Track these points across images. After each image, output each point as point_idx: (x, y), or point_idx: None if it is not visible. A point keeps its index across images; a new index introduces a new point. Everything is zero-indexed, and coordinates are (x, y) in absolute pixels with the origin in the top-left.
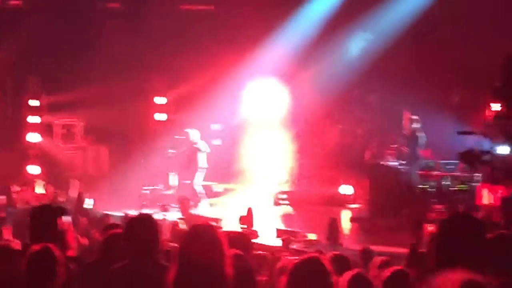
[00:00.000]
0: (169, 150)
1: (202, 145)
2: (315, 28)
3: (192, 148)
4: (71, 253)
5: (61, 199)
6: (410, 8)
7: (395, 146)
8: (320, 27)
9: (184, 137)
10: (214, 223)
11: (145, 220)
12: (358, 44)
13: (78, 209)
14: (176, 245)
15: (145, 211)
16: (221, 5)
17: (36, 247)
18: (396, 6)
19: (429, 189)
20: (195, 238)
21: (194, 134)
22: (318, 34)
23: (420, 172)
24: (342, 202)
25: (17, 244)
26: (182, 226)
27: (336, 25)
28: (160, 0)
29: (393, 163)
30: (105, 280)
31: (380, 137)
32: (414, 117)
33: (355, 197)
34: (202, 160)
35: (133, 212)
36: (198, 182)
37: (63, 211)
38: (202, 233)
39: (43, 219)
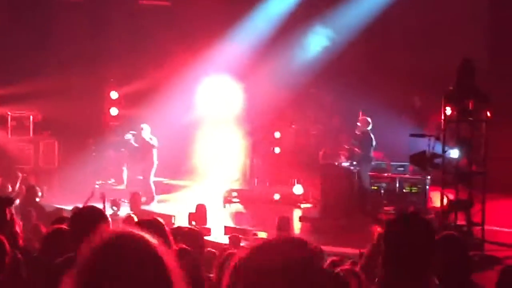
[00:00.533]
0: (122, 146)
1: (154, 140)
2: (272, 24)
3: (145, 144)
4: (18, 243)
5: (9, 191)
6: (367, 8)
7: (348, 147)
8: (278, 24)
9: (136, 133)
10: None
11: (92, 213)
12: (317, 41)
13: (29, 202)
14: None
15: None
16: (178, 1)
17: None
18: (354, 5)
19: (380, 191)
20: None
21: (146, 130)
22: (275, 31)
23: (371, 173)
24: (294, 201)
25: None
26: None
27: (294, 22)
28: None
29: (345, 163)
30: (49, 272)
31: (334, 138)
32: (368, 118)
33: (307, 196)
34: (154, 156)
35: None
36: (151, 178)
37: (10, 201)
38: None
39: None
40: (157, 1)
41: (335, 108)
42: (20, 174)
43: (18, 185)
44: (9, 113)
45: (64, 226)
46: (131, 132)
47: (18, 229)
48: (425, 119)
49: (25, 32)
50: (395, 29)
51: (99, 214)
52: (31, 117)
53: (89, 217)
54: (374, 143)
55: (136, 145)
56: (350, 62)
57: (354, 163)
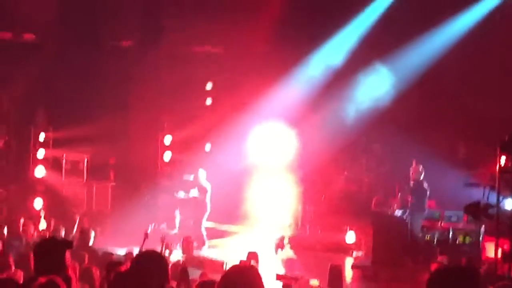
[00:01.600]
0: (177, 190)
1: (208, 186)
2: (325, 73)
3: (199, 189)
4: (74, 287)
5: (64, 234)
6: (418, 57)
7: (400, 195)
8: (331, 71)
9: (191, 178)
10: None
11: (154, 257)
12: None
13: (82, 245)
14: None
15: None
16: (231, 48)
17: (42, 280)
18: (404, 55)
19: (433, 240)
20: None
21: (201, 175)
22: (328, 78)
23: (424, 222)
24: (345, 249)
25: (19, 276)
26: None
27: (347, 70)
28: (171, 40)
29: (398, 212)
30: None
31: (386, 186)
32: (421, 167)
33: (358, 244)
34: (207, 201)
35: (135, 250)
36: (203, 223)
37: (70, 245)
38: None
39: (49, 252)
40: (210, 48)
41: (387, 156)
42: (77, 217)
43: (75, 228)
44: (64, 156)
45: (123, 269)
46: (186, 176)
47: (71, 272)
48: (472, 167)
49: (79, 77)
50: (447, 76)
51: (159, 258)
52: (85, 160)
53: (150, 262)
54: (427, 192)
55: (189, 193)
56: (401, 109)
57: (407, 212)
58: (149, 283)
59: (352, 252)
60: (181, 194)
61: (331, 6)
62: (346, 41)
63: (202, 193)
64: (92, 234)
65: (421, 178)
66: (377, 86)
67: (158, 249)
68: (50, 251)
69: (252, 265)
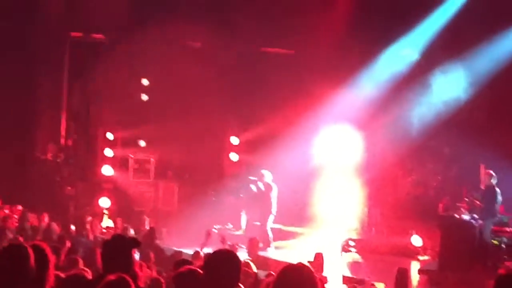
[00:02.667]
0: (242, 191)
1: (274, 187)
2: (394, 75)
3: (265, 190)
4: (141, 284)
5: (130, 232)
6: (489, 59)
7: (468, 199)
8: (399, 74)
9: (257, 178)
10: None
11: (229, 256)
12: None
13: (148, 244)
14: None
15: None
16: (302, 50)
17: (111, 277)
18: (475, 56)
19: (501, 245)
20: (291, 276)
21: (267, 176)
22: (396, 80)
23: (493, 227)
24: (412, 253)
25: (88, 274)
26: (253, 267)
27: (415, 71)
28: (241, 40)
29: (466, 216)
30: None
31: (453, 190)
32: (491, 172)
33: (425, 248)
34: (273, 202)
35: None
36: (269, 224)
37: (136, 243)
38: (299, 272)
39: (117, 249)
40: (280, 49)
41: (455, 160)
42: (146, 218)
43: (142, 227)
44: (131, 155)
45: (194, 268)
46: (252, 177)
47: (142, 270)
48: None
49: (145, 77)
50: None
51: (234, 258)
52: (152, 160)
53: (224, 261)
54: (499, 197)
55: (255, 191)
56: (471, 112)
57: (475, 216)
58: (222, 282)
59: (419, 256)
60: (253, 188)
61: (402, 7)
62: (416, 43)
63: (268, 194)
64: (159, 233)
65: (494, 183)
66: (447, 88)
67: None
68: (119, 249)
69: (306, 265)
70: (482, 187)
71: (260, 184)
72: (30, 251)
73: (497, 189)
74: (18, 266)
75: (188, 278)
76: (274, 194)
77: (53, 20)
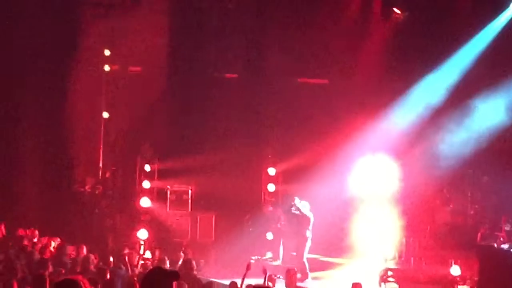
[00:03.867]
0: (280, 221)
1: (311, 217)
2: (430, 103)
3: (302, 220)
4: None
5: (169, 264)
6: None
7: (508, 229)
8: (436, 103)
9: (294, 208)
10: None
11: None
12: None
13: (185, 275)
14: None
15: (250, 280)
16: (336, 80)
17: None
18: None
19: None
20: None
21: (304, 206)
22: (432, 109)
23: None
24: (451, 282)
25: None
26: None
27: (450, 101)
28: (277, 72)
29: (505, 246)
30: None
31: (492, 219)
32: None
33: (464, 278)
34: (309, 232)
35: (239, 281)
36: (305, 254)
37: (177, 275)
38: None
39: (156, 282)
40: (315, 80)
41: (493, 189)
42: (182, 248)
43: (180, 259)
44: (168, 187)
45: None
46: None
47: None
48: None
49: (185, 108)
50: None
51: None
52: (189, 191)
53: None
54: None
55: (296, 212)
56: (509, 141)
57: None
58: None
59: (458, 286)
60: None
61: (438, 35)
62: (455, 70)
63: (305, 225)
64: (196, 264)
65: None
66: (486, 116)
67: (261, 281)
68: (158, 282)
69: None
70: None
71: (297, 212)
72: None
73: None
74: None
75: None
76: (310, 224)
77: (90, 53)
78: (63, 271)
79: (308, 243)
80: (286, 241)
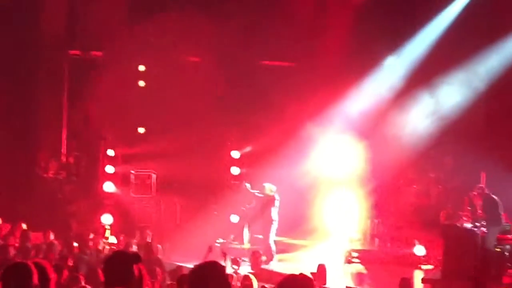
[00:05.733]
0: (246, 205)
1: (277, 199)
2: (393, 85)
3: (268, 202)
4: None
5: (133, 248)
6: (493, 67)
7: (471, 208)
8: (399, 84)
9: (259, 191)
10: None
11: (212, 268)
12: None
13: (151, 259)
14: None
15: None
16: (300, 62)
17: None
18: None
19: (504, 253)
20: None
21: (270, 188)
22: (399, 90)
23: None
24: (415, 262)
25: None
26: (254, 281)
27: (415, 80)
28: (241, 54)
29: (468, 225)
30: None
31: (455, 199)
32: (481, 185)
33: (428, 258)
34: (275, 214)
35: None
36: (272, 237)
37: (138, 258)
38: (299, 283)
39: (119, 265)
40: (281, 62)
41: (457, 169)
42: (150, 233)
43: (145, 242)
44: (132, 171)
45: None
46: (252, 190)
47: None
48: None
49: (147, 92)
50: None
51: (218, 269)
52: (153, 175)
53: (208, 272)
54: (500, 205)
55: (260, 195)
56: (471, 121)
57: (477, 224)
58: None
59: (422, 266)
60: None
61: (402, 15)
62: (416, 50)
63: (269, 207)
64: (160, 248)
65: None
66: (447, 98)
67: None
68: (120, 265)
69: (307, 276)
70: (484, 195)
71: (264, 196)
72: (34, 269)
73: (495, 197)
74: (22, 284)
75: None
76: (276, 206)
77: (52, 39)
78: (24, 258)
79: (275, 226)
80: (251, 224)
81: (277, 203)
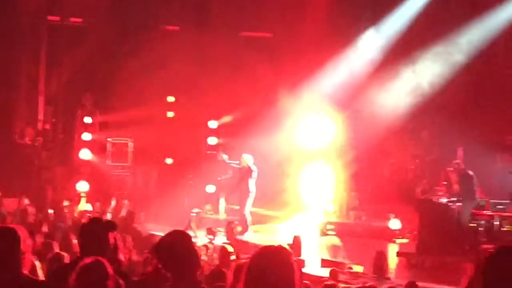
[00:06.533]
0: (222, 175)
1: (254, 170)
2: (371, 58)
3: (245, 173)
4: (121, 268)
5: (108, 216)
6: (470, 43)
7: (446, 183)
8: (378, 55)
9: (238, 162)
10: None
11: (179, 237)
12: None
13: (127, 228)
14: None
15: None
16: (280, 34)
17: (87, 260)
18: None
19: (479, 228)
20: (266, 258)
21: (248, 159)
22: (376, 62)
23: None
24: (390, 236)
25: (66, 257)
26: (230, 250)
27: (395, 54)
28: (219, 25)
29: (444, 199)
30: None
31: (432, 174)
32: (457, 161)
33: (403, 231)
34: (252, 185)
35: None
36: (248, 208)
37: (113, 226)
38: (275, 254)
39: (94, 233)
40: (259, 33)
41: (434, 143)
42: (125, 202)
43: (124, 210)
44: (109, 139)
45: None
46: (228, 161)
47: (121, 255)
48: None
49: (126, 61)
50: (496, 62)
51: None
52: (130, 144)
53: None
54: (475, 180)
55: (237, 166)
56: (449, 95)
57: (453, 199)
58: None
59: (397, 239)
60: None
61: None
62: (396, 24)
63: (246, 178)
64: (137, 217)
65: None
66: (425, 72)
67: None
68: (95, 233)
69: (283, 247)
70: (459, 170)
71: (241, 167)
72: (21, 233)
73: (470, 172)
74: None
75: None
76: (253, 178)
77: (30, 4)
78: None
79: (251, 197)
80: (227, 195)
81: (254, 174)
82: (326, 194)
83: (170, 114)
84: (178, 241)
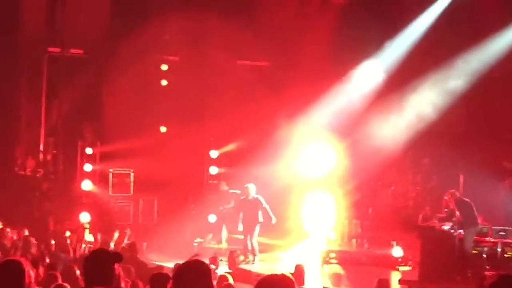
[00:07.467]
0: (224, 205)
1: (259, 199)
2: (371, 87)
3: (255, 204)
4: None
5: (111, 247)
6: (470, 72)
7: (448, 210)
8: (377, 86)
9: (241, 192)
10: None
11: (197, 266)
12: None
13: (129, 258)
14: None
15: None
16: (277, 62)
17: None
18: (456, 68)
19: (481, 255)
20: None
21: (252, 189)
22: (377, 92)
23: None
24: (392, 264)
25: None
26: (231, 280)
27: (395, 83)
28: (218, 54)
29: (446, 227)
30: None
31: (433, 201)
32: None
33: (406, 259)
34: (261, 215)
35: None
36: (254, 236)
37: (119, 257)
38: (278, 283)
39: (99, 264)
40: (256, 62)
41: (435, 171)
42: (125, 231)
43: (126, 241)
44: (110, 170)
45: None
46: (231, 191)
47: (123, 285)
48: None
49: (126, 92)
50: (496, 91)
51: (203, 267)
52: (131, 174)
53: (193, 270)
54: (474, 207)
55: (236, 203)
56: (449, 123)
57: (455, 226)
58: None
59: (399, 267)
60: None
61: (382, 17)
62: (395, 53)
63: (258, 208)
64: (140, 247)
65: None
66: (427, 99)
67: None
68: (100, 263)
69: (287, 276)
70: (461, 197)
71: (246, 197)
72: (26, 265)
73: (467, 200)
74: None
75: None
76: (265, 205)
77: (32, 35)
78: (3, 255)
79: (258, 226)
80: (229, 224)
81: (264, 203)
82: (327, 222)
83: (170, 143)
84: (200, 275)
